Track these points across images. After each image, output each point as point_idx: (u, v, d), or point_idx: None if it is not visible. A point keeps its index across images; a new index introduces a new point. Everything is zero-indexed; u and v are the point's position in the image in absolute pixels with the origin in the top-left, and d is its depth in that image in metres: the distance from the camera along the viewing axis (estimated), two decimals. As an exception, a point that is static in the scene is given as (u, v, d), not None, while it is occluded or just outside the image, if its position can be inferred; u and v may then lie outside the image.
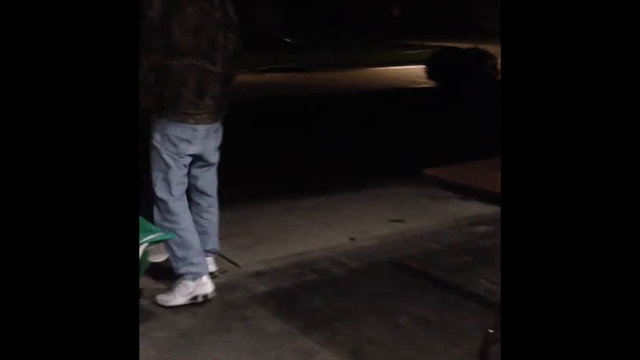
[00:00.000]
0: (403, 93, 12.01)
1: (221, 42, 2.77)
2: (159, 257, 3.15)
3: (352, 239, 3.81)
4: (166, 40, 2.63)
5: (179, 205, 2.86)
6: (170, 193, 2.82)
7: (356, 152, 6.42)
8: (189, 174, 2.93)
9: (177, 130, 2.75)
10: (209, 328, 2.66)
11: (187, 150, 2.80)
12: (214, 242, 3.13)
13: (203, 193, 3.03)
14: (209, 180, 3.04)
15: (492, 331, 2.46)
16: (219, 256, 3.54)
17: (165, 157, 2.79)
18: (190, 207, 2.98)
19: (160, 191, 2.83)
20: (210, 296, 2.88)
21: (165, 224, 2.81)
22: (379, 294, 3.07)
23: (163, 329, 2.64)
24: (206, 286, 2.86)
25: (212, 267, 3.10)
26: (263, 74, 14.11)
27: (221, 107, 2.88)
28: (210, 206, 3.08)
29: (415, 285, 3.17)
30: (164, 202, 2.82)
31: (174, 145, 2.77)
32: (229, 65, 2.84)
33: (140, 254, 2.24)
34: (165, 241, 2.73)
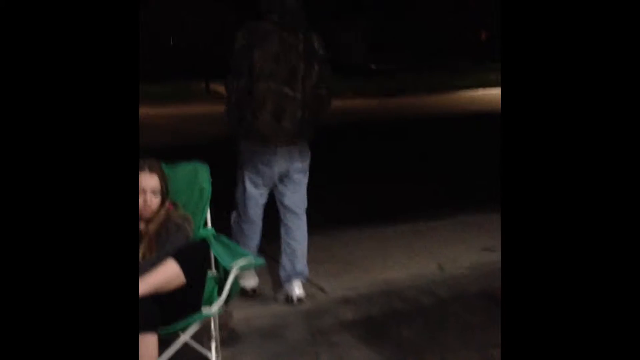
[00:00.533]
0: (493, 117, 11.72)
1: (302, 70, 2.93)
2: (250, 282, 3.21)
3: (440, 267, 3.72)
4: (249, 66, 2.87)
5: (250, 227, 3.11)
6: (245, 213, 3.08)
7: (444, 178, 6.30)
8: (279, 193, 3.12)
9: (255, 152, 2.97)
10: (296, 353, 2.66)
11: (266, 172, 3.00)
12: (302, 266, 3.17)
13: (293, 212, 3.14)
14: (297, 200, 3.14)
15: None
16: (308, 283, 3.56)
17: (245, 178, 3.04)
18: (280, 229, 3.17)
19: (238, 209, 3.13)
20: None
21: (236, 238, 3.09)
22: (471, 325, 2.96)
23: (252, 352, 2.67)
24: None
25: (298, 291, 3.14)
26: (347, 100, 14.26)
27: (301, 131, 2.99)
28: (299, 228, 3.15)
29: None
30: (238, 220, 3.13)
31: (254, 166, 2.99)
32: (311, 92, 2.98)
33: (231, 278, 2.28)
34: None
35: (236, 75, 2.92)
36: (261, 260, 2.69)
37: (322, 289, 3.43)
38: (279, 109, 2.90)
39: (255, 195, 3.06)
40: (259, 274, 3.32)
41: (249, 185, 3.05)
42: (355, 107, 13.67)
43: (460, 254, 3.98)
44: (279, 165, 2.99)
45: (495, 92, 15.17)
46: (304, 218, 3.17)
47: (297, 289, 3.13)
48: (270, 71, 2.87)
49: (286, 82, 2.89)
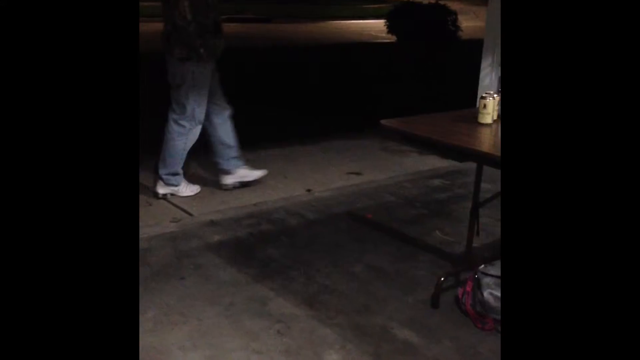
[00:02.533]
0: (364, 47, 11.91)
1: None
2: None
3: (308, 190, 3.80)
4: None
5: None
6: None
7: (316, 105, 6.38)
8: None
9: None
10: (162, 276, 2.63)
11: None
12: (161, 166, 3.61)
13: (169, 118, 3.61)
14: (174, 106, 3.58)
15: (443, 279, 2.51)
16: (173, 205, 3.50)
17: None
18: None
19: None
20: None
21: None
22: (335, 244, 3.08)
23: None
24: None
25: (159, 189, 3.60)
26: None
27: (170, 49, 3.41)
28: (168, 132, 3.59)
29: (371, 237, 3.19)
30: None
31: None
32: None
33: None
34: None
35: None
36: None
37: (188, 213, 3.39)
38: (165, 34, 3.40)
39: None
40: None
41: None
42: (230, 32, 13.26)
43: (328, 177, 4.08)
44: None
45: (365, 23, 15.33)
46: (171, 125, 3.49)
47: (159, 187, 3.59)
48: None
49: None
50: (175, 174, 3.57)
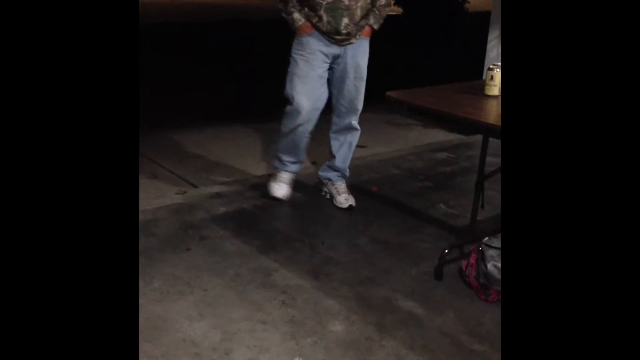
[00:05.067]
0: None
1: None
2: None
3: (313, 162, 3.79)
4: None
5: None
6: None
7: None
8: None
9: None
10: (168, 247, 2.65)
11: None
12: None
13: None
14: None
15: (447, 252, 2.52)
16: (177, 177, 3.51)
17: None
18: None
19: None
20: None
21: None
22: (340, 216, 3.09)
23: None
24: None
25: None
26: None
27: None
28: None
29: (376, 209, 3.19)
30: None
31: None
32: None
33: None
34: None
35: None
36: None
37: (193, 185, 3.40)
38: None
39: None
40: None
41: None
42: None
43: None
44: None
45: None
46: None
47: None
48: None
49: None
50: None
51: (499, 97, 2.50)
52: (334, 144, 3.18)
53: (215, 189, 3.34)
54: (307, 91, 2.92)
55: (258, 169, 3.66)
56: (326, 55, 2.89)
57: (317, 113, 3.01)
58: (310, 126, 3.03)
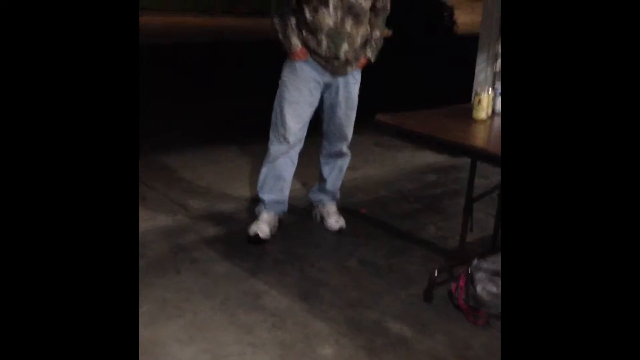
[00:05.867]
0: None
1: None
2: None
3: (304, 184, 3.81)
4: None
5: None
6: None
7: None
8: None
9: None
10: (158, 270, 2.64)
11: None
12: None
13: None
14: None
15: (436, 274, 2.53)
16: (168, 199, 3.51)
17: None
18: None
19: None
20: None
21: None
22: (329, 239, 3.10)
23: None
24: None
25: None
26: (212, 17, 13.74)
27: None
28: None
29: (365, 231, 3.21)
30: None
31: None
32: None
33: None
34: None
35: None
36: None
37: (184, 207, 3.40)
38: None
39: None
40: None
41: None
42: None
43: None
44: None
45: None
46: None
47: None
48: None
49: None
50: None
51: (487, 121, 2.54)
52: (325, 169, 3.19)
53: (206, 211, 3.34)
54: (296, 117, 2.89)
55: (248, 191, 3.67)
56: (318, 83, 2.87)
57: (302, 139, 2.98)
58: (294, 153, 2.99)
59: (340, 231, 3.15)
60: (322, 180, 3.22)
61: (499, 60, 4.36)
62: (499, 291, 2.32)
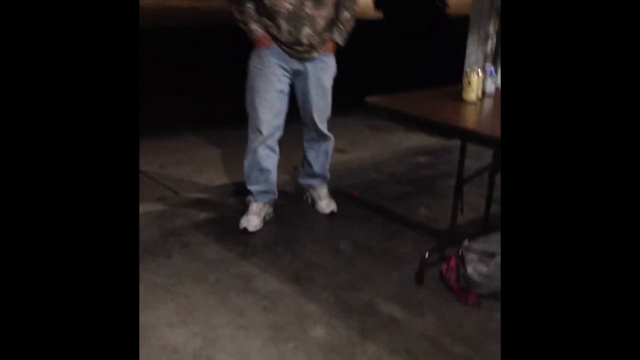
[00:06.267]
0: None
1: None
2: None
3: (295, 167, 3.80)
4: None
5: None
6: None
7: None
8: None
9: None
10: (149, 254, 2.63)
11: None
12: None
13: None
14: None
15: (428, 255, 2.54)
16: (158, 183, 3.50)
17: None
18: None
19: None
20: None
21: None
22: (321, 221, 3.10)
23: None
24: None
25: None
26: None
27: None
28: None
29: (357, 214, 3.21)
30: None
31: None
32: None
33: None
34: None
35: None
36: None
37: (174, 191, 3.39)
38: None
39: None
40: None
41: None
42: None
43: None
44: None
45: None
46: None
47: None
48: None
49: None
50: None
51: (476, 102, 2.53)
52: (310, 153, 3.15)
53: (196, 195, 3.33)
54: (267, 107, 2.82)
55: (239, 175, 3.65)
56: (286, 70, 2.79)
57: (279, 128, 2.92)
58: (272, 142, 2.92)
59: (332, 214, 3.15)
60: (308, 164, 3.19)
61: (490, 42, 4.34)
62: (490, 271, 2.33)
